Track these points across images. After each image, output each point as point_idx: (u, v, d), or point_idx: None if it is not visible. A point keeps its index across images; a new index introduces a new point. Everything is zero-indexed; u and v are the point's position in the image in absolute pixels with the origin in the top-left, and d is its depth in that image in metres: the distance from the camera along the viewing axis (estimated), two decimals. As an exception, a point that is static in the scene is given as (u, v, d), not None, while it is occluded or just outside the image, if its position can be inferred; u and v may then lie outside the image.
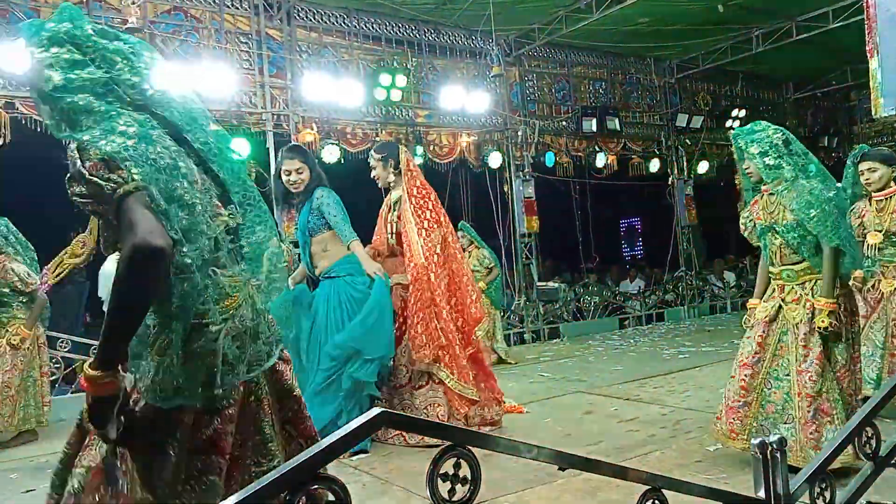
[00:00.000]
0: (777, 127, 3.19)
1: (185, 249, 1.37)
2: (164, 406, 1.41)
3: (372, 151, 4.36)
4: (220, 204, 1.56)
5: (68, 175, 1.40)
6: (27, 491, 3.59)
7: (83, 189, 1.37)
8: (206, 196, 1.49)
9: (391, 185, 4.31)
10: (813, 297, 3.01)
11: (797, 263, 3.08)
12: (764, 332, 3.12)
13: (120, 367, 1.37)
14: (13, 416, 4.64)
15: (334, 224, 3.93)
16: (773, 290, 3.18)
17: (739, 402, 3.12)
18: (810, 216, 2.95)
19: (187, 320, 1.42)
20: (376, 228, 4.47)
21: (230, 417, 1.49)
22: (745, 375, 3.11)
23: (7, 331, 4.69)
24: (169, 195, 1.37)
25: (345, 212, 3.97)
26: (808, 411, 2.92)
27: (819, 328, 2.93)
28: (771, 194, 3.13)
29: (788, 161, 3.06)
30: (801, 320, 3.02)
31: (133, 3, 6.22)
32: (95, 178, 1.33)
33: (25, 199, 6.27)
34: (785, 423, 3.02)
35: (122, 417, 1.40)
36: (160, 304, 1.43)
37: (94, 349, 1.36)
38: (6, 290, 4.69)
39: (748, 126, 3.22)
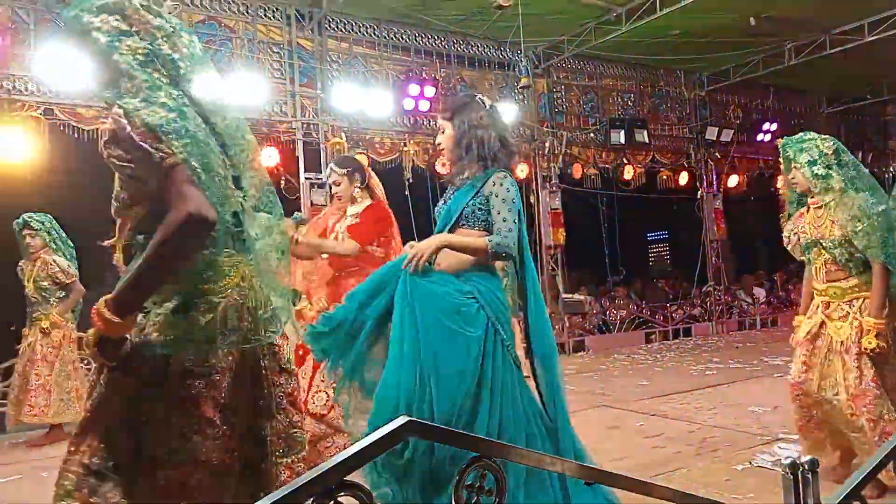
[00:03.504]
0: (827, 136, 3.09)
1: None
2: (159, 351, 1.49)
3: (333, 165, 3.93)
4: (233, 186, 1.63)
5: (106, 138, 1.48)
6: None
7: (124, 153, 1.46)
8: (228, 174, 1.58)
9: (354, 200, 3.87)
10: (861, 315, 2.89)
11: (844, 280, 2.97)
12: (808, 350, 3.02)
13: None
14: (47, 407, 4.74)
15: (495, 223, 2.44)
16: (818, 306, 3.06)
17: (801, 422, 3.07)
18: (857, 230, 2.84)
19: (199, 286, 1.52)
20: (314, 226, 4.00)
21: (236, 382, 1.58)
22: (798, 395, 3.05)
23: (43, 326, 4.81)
24: (205, 167, 1.46)
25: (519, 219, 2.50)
26: (874, 435, 2.78)
27: (865, 349, 2.82)
28: (818, 207, 3.03)
29: (838, 171, 2.96)
30: (851, 340, 2.89)
31: (169, 13, 6.35)
32: (146, 146, 1.42)
33: (62, 204, 6.41)
34: (853, 432, 2.90)
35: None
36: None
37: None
38: (46, 283, 4.81)
39: (797, 135, 3.14)
